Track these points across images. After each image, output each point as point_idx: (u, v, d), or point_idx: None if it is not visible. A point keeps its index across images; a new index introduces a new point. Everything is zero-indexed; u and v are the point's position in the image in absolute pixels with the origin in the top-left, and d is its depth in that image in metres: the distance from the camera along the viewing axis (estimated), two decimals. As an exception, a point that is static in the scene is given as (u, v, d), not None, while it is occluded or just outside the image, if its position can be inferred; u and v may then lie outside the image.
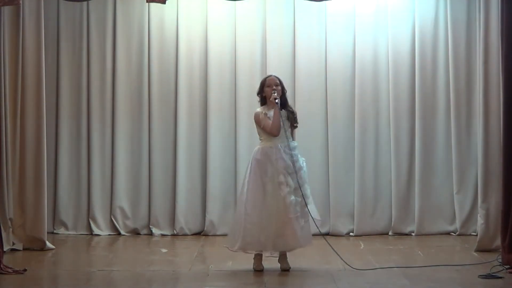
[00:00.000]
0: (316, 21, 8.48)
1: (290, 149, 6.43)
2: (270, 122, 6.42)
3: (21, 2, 7.07)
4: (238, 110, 8.46)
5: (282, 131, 6.41)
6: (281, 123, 6.41)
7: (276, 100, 6.42)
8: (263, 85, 6.58)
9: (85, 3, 8.34)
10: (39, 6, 7.53)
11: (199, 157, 8.57)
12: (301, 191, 6.37)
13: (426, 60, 8.42)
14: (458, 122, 8.33)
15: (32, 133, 7.52)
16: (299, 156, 6.52)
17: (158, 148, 8.58)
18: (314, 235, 6.59)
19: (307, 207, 6.39)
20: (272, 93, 6.46)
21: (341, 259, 6.55)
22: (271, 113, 6.46)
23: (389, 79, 8.46)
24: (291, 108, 6.65)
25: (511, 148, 6.78)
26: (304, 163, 6.54)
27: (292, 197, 6.34)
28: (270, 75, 6.68)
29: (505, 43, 6.76)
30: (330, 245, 6.59)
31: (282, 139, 6.43)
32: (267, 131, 6.44)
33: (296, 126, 6.65)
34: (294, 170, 6.37)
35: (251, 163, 6.48)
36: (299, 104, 8.35)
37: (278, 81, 6.55)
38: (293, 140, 6.57)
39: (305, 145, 8.27)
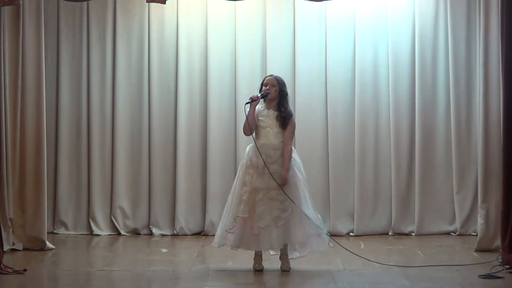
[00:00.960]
0: (316, 22, 8.48)
1: (272, 148, 6.43)
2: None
3: (21, 2, 7.07)
4: (238, 110, 8.45)
5: (252, 131, 6.45)
6: (248, 123, 6.44)
7: (250, 98, 6.48)
8: (262, 83, 6.61)
9: (85, 3, 8.34)
10: (39, 6, 7.53)
11: (199, 157, 8.57)
12: (272, 193, 6.38)
13: (426, 60, 8.42)
14: (458, 122, 8.33)
15: (32, 133, 7.52)
16: (296, 168, 6.49)
17: (158, 148, 8.58)
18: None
19: (286, 212, 6.37)
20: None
21: (361, 256, 6.62)
22: (262, 111, 6.52)
23: (389, 79, 8.46)
24: (286, 109, 6.55)
25: (511, 148, 6.78)
26: (300, 176, 6.50)
27: (244, 197, 6.39)
28: (270, 75, 6.69)
29: (505, 43, 6.76)
30: (342, 245, 6.59)
31: (265, 138, 6.45)
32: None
33: (285, 127, 6.49)
34: (268, 171, 6.36)
35: (243, 160, 6.58)
36: (299, 104, 8.35)
37: (275, 82, 6.54)
38: (286, 144, 6.47)
39: (305, 145, 8.29)
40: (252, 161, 6.45)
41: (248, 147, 6.61)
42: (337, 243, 6.72)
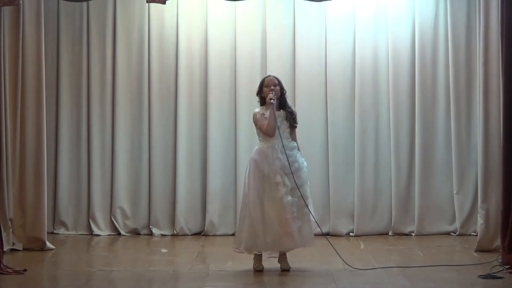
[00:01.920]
0: (316, 21, 8.49)
1: (288, 149, 6.43)
2: (266, 122, 6.42)
3: (21, 2, 7.08)
4: (238, 110, 8.46)
5: (278, 131, 6.41)
6: (276, 123, 6.39)
7: (272, 101, 6.42)
8: (262, 85, 6.58)
9: (85, 3, 8.34)
10: (39, 6, 7.53)
11: (199, 157, 8.57)
12: (299, 191, 6.37)
13: (426, 60, 8.43)
14: (458, 122, 8.34)
15: (32, 133, 7.53)
16: (298, 156, 6.52)
17: (158, 148, 8.58)
18: (316, 235, 6.60)
19: (307, 207, 6.40)
20: (269, 93, 6.47)
21: (341, 259, 6.55)
22: (268, 113, 6.46)
23: (389, 79, 8.46)
24: (290, 108, 6.63)
25: (511, 148, 6.78)
26: (305, 163, 6.54)
27: (289, 198, 6.35)
28: (269, 75, 6.68)
29: (505, 43, 6.76)
30: (331, 244, 6.59)
31: (278, 140, 6.43)
32: (263, 131, 6.45)
33: (296, 126, 6.63)
34: (290, 171, 6.36)
35: (250, 164, 6.49)
36: (299, 104, 8.35)
37: (276, 81, 6.55)
38: (293, 140, 6.56)
39: (305, 145, 8.25)
40: (278, 163, 6.37)
41: (254, 150, 6.52)
42: (331, 245, 6.69)
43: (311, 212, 6.43)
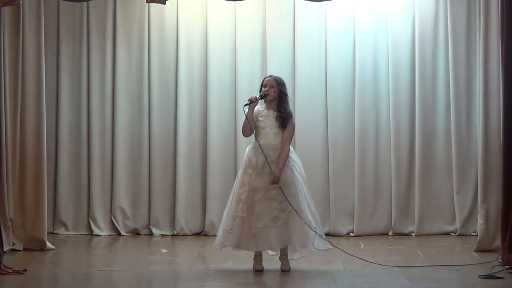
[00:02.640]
0: (316, 22, 8.48)
1: (271, 148, 6.43)
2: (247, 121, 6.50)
3: (21, 2, 7.08)
4: (238, 110, 8.45)
5: (254, 132, 6.46)
6: (248, 124, 6.45)
7: (249, 100, 6.48)
8: (261, 84, 6.62)
9: (85, 3, 8.34)
10: (39, 6, 7.53)
11: (199, 157, 8.57)
12: (270, 194, 6.38)
13: (426, 60, 8.42)
14: (458, 122, 8.33)
15: (32, 133, 7.52)
16: (295, 167, 6.49)
17: (158, 148, 8.58)
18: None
19: (285, 212, 6.37)
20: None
21: (355, 256, 6.61)
22: (262, 111, 6.53)
23: (389, 79, 8.46)
24: (285, 109, 6.55)
25: (511, 148, 6.78)
26: (299, 177, 6.49)
27: (242, 197, 6.38)
28: (270, 76, 6.68)
29: (505, 43, 6.76)
30: (336, 247, 6.59)
31: (265, 138, 6.46)
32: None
33: (285, 127, 6.50)
34: (270, 169, 6.35)
35: (244, 160, 6.57)
36: (299, 104, 8.36)
37: (274, 83, 6.53)
38: (283, 141, 6.47)
39: (305, 145, 8.29)
40: (251, 161, 6.45)
41: (248, 148, 6.61)
42: (334, 246, 6.70)
43: (300, 216, 6.39)
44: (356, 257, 6.71)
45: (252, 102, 6.48)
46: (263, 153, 6.39)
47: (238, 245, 6.47)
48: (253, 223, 6.37)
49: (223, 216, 6.60)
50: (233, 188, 6.60)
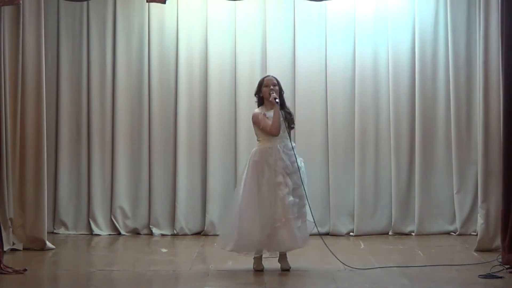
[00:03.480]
0: (316, 22, 8.48)
1: (289, 149, 6.43)
2: (270, 122, 6.41)
3: (21, 2, 7.08)
4: (238, 110, 8.46)
5: (281, 130, 6.41)
6: (280, 122, 6.39)
7: (276, 100, 6.41)
8: (261, 85, 6.57)
9: (85, 3, 8.34)
10: (39, 6, 7.53)
11: (199, 157, 8.57)
12: (298, 191, 6.38)
13: (426, 60, 8.42)
14: (458, 122, 8.33)
15: (32, 133, 7.52)
16: (296, 156, 6.51)
17: (158, 148, 8.58)
18: (312, 235, 6.60)
19: (305, 207, 6.40)
20: (270, 93, 6.46)
21: (338, 259, 6.54)
22: (270, 113, 6.45)
23: (389, 79, 8.47)
24: (288, 109, 6.64)
25: (511, 148, 6.78)
26: (302, 163, 6.53)
27: (291, 198, 6.34)
28: (268, 75, 6.69)
29: (505, 43, 6.76)
30: (326, 245, 6.56)
31: (281, 140, 6.43)
32: (267, 131, 6.42)
33: (293, 127, 6.63)
34: (292, 171, 6.36)
35: (248, 165, 6.48)
36: (299, 104, 8.36)
37: (275, 81, 6.54)
38: (290, 140, 6.56)
39: (305, 145, 8.29)
40: (280, 163, 6.35)
41: (254, 150, 6.51)
42: (324, 242, 6.67)
43: (311, 213, 6.43)
44: (334, 255, 6.65)
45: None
46: (295, 155, 6.39)
47: (251, 250, 6.43)
48: (265, 229, 6.33)
49: (229, 219, 6.51)
50: (240, 191, 6.46)
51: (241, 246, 6.43)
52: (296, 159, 6.46)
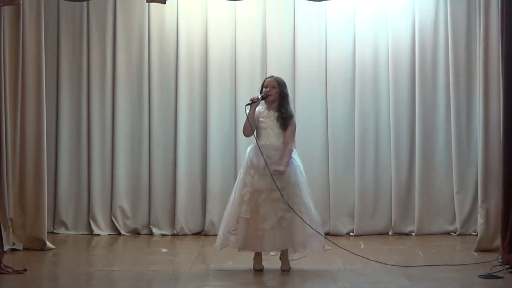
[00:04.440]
0: (316, 21, 8.48)
1: (271, 149, 6.43)
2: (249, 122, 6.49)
3: (21, 2, 7.08)
4: (238, 110, 8.45)
5: (252, 132, 6.46)
6: (249, 124, 6.45)
7: (249, 102, 6.48)
8: (262, 85, 6.61)
9: (85, 3, 8.34)
10: (39, 6, 7.53)
11: (199, 157, 8.57)
12: (273, 194, 6.37)
13: (426, 60, 8.42)
14: (458, 122, 8.33)
15: (32, 133, 7.52)
16: (297, 170, 6.49)
17: (158, 148, 8.58)
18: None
19: (293, 210, 6.36)
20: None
21: (359, 255, 6.62)
22: (262, 111, 6.52)
23: (389, 79, 8.46)
24: (286, 109, 6.56)
25: (511, 148, 6.78)
26: (299, 162, 6.52)
27: (246, 197, 6.37)
28: (271, 76, 6.69)
29: (505, 43, 6.77)
30: (336, 245, 6.59)
31: (266, 138, 6.47)
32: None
33: (287, 127, 6.51)
34: (269, 171, 6.35)
35: (245, 160, 6.56)
36: (299, 104, 8.36)
37: (276, 84, 6.54)
38: (284, 141, 6.48)
39: (305, 145, 8.29)
40: (252, 162, 6.45)
41: (249, 148, 6.61)
42: (335, 244, 6.71)
43: (300, 217, 6.38)
44: (357, 255, 6.70)
45: (253, 102, 6.49)
46: (262, 155, 6.39)
47: (243, 246, 6.46)
48: (259, 225, 6.36)
49: (224, 216, 6.59)
50: (234, 188, 6.58)
51: (223, 241, 6.49)
52: (296, 173, 6.44)
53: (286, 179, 6.39)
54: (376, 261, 6.74)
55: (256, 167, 6.42)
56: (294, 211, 6.35)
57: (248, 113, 6.48)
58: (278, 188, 6.33)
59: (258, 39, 8.51)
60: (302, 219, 6.34)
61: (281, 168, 6.35)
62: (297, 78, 8.46)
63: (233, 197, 6.52)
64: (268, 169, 6.35)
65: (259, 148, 6.42)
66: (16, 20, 7.40)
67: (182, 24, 8.52)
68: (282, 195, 6.34)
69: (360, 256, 6.77)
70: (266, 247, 6.44)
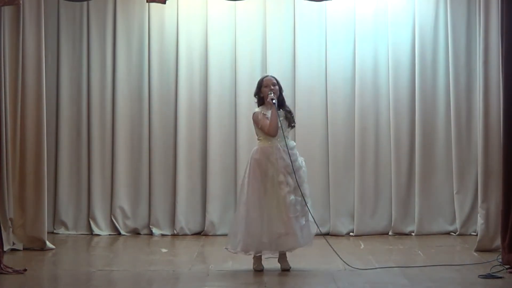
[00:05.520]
0: (316, 21, 8.49)
1: (290, 148, 6.44)
2: (268, 122, 6.41)
3: (21, 2, 7.08)
4: (238, 110, 8.46)
5: (280, 131, 6.41)
6: (279, 123, 6.40)
7: (274, 100, 6.42)
8: (261, 85, 6.57)
9: (85, 3, 8.34)
10: (39, 6, 7.53)
11: (199, 157, 8.57)
12: (300, 190, 6.37)
13: (426, 60, 8.42)
14: (458, 122, 8.34)
15: (32, 133, 7.52)
16: (298, 155, 6.52)
17: (158, 148, 8.58)
18: (316, 235, 6.61)
19: (307, 206, 6.40)
20: (268, 93, 6.47)
21: (341, 259, 6.56)
22: (269, 113, 6.45)
23: (389, 79, 8.47)
24: (288, 108, 6.64)
25: (511, 148, 6.78)
26: (303, 163, 6.54)
27: (292, 197, 6.34)
28: (267, 75, 6.69)
29: (505, 43, 6.76)
30: (330, 245, 6.60)
31: (280, 139, 6.44)
32: (265, 131, 6.43)
33: (294, 126, 6.64)
34: (293, 170, 6.37)
35: (250, 163, 6.47)
36: (299, 104, 8.36)
37: (275, 81, 6.55)
38: (290, 139, 6.56)
39: (305, 145, 8.28)
40: (284, 163, 6.37)
41: (254, 150, 6.51)
42: (331, 247, 6.71)
43: (310, 212, 6.43)
44: (338, 255, 6.66)
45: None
46: (290, 156, 6.37)
47: (259, 250, 6.41)
48: (273, 228, 6.33)
49: (237, 219, 6.51)
50: (244, 191, 6.47)
51: (249, 247, 6.41)
52: (297, 158, 6.48)
53: (302, 177, 6.42)
54: (377, 267, 6.74)
55: (287, 166, 6.36)
56: (309, 210, 6.38)
57: (273, 111, 6.39)
58: (299, 186, 6.33)
59: (258, 39, 8.52)
60: (313, 218, 6.42)
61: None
62: (297, 78, 8.46)
63: (243, 200, 6.43)
64: (293, 167, 6.35)
65: (287, 148, 6.36)
66: (16, 20, 7.40)
67: (182, 24, 8.53)
68: (301, 191, 6.34)
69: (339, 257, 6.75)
70: (280, 248, 6.42)
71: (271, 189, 6.38)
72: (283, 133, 6.43)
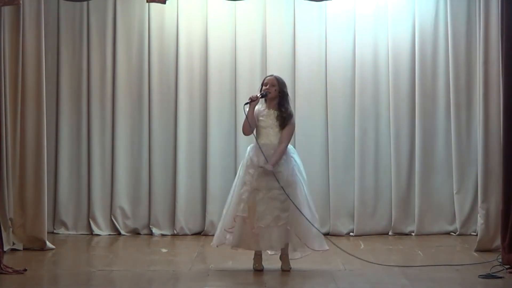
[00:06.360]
0: (316, 21, 8.49)
1: (270, 148, 6.43)
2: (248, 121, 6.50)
3: (21, 2, 7.08)
4: (238, 109, 8.45)
5: (252, 130, 6.47)
6: (248, 123, 6.45)
7: (248, 101, 6.48)
8: (262, 83, 6.63)
9: (85, 3, 8.34)
10: (39, 6, 7.53)
11: (199, 157, 8.57)
12: (272, 193, 6.37)
13: (426, 60, 8.43)
14: (458, 122, 8.34)
15: (32, 133, 7.52)
16: (294, 163, 6.50)
17: (158, 148, 8.58)
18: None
19: (286, 212, 6.37)
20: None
21: (354, 256, 6.62)
22: (262, 110, 6.53)
23: (389, 79, 8.47)
24: (286, 108, 6.56)
25: (511, 148, 6.78)
26: (298, 161, 6.52)
27: (245, 196, 6.38)
28: (271, 75, 6.69)
29: (505, 43, 6.77)
30: (335, 244, 6.59)
31: (266, 137, 6.46)
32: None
33: (285, 127, 6.51)
34: (267, 172, 6.36)
35: (245, 159, 6.57)
36: (299, 104, 8.36)
37: (275, 82, 6.55)
38: (281, 140, 6.47)
39: (305, 145, 8.29)
40: (252, 161, 6.45)
41: (249, 147, 6.61)
42: (334, 244, 6.72)
43: (303, 215, 6.39)
44: (356, 257, 6.71)
45: (252, 101, 6.48)
46: (263, 154, 6.39)
47: (238, 245, 6.46)
48: (255, 223, 6.36)
49: (223, 214, 6.61)
50: (233, 187, 6.60)
51: (220, 239, 6.51)
52: (292, 164, 6.45)
53: (284, 179, 6.38)
54: (373, 263, 6.74)
55: (256, 166, 6.42)
56: (299, 210, 6.35)
57: (248, 112, 6.48)
58: (281, 186, 6.32)
59: (258, 39, 8.51)
60: (306, 218, 6.35)
61: (267, 166, 6.34)
62: (297, 78, 8.46)
63: (231, 195, 6.54)
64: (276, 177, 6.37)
65: (259, 146, 6.42)
66: (16, 20, 7.40)
67: (182, 24, 8.52)
68: (286, 193, 6.33)
69: (359, 258, 6.77)
70: (262, 246, 6.43)
71: (238, 186, 6.52)
72: (260, 133, 6.47)
